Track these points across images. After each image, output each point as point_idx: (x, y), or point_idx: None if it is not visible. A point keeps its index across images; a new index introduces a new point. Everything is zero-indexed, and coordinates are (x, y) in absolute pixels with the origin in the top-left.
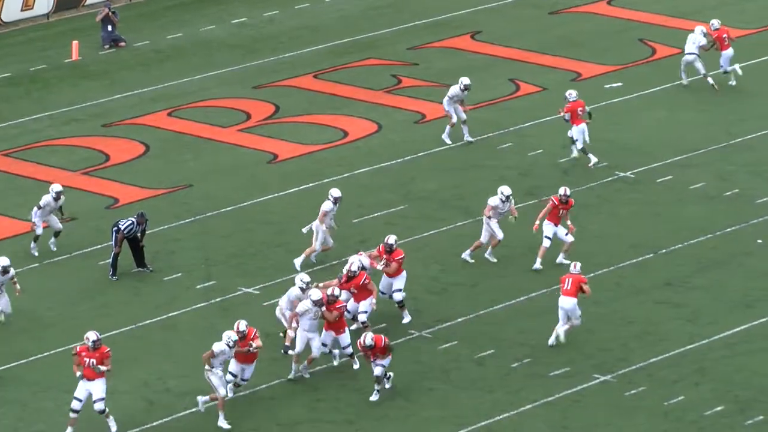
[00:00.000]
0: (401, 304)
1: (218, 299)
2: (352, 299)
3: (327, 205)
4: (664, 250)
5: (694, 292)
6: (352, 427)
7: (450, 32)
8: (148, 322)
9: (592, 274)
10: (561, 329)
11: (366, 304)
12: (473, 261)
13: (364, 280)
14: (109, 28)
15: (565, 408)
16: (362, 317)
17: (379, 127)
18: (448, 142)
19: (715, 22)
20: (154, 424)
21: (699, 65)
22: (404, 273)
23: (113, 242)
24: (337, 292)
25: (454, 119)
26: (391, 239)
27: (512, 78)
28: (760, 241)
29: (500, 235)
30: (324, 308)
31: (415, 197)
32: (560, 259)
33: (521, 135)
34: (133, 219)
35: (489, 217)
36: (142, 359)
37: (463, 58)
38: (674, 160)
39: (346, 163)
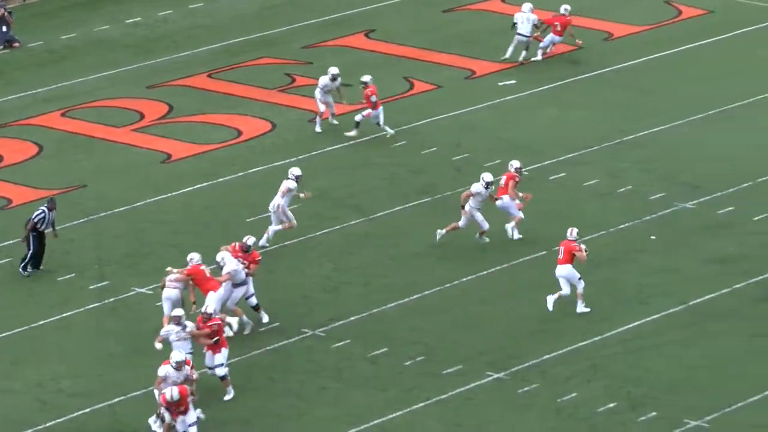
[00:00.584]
0: (257, 307)
1: (112, 299)
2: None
3: (291, 184)
4: (557, 248)
5: (588, 289)
6: (248, 427)
7: (344, 31)
8: (41, 322)
9: (485, 272)
10: (552, 298)
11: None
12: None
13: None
14: (4, 28)
15: (458, 406)
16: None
17: (273, 126)
18: (318, 130)
19: (564, 8)
20: (48, 424)
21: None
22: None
23: (24, 238)
24: (210, 310)
25: (321, 108)
26: (250, 240)
27: (406, 76)
28: (653, 237)
29: (486, 225)
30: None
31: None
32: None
33: (415, 133)
34: (44, 207)
35: (470, 205)
36: (36, 360)
37: (357, 56)
38: (567, 158)
39: (240, 163)
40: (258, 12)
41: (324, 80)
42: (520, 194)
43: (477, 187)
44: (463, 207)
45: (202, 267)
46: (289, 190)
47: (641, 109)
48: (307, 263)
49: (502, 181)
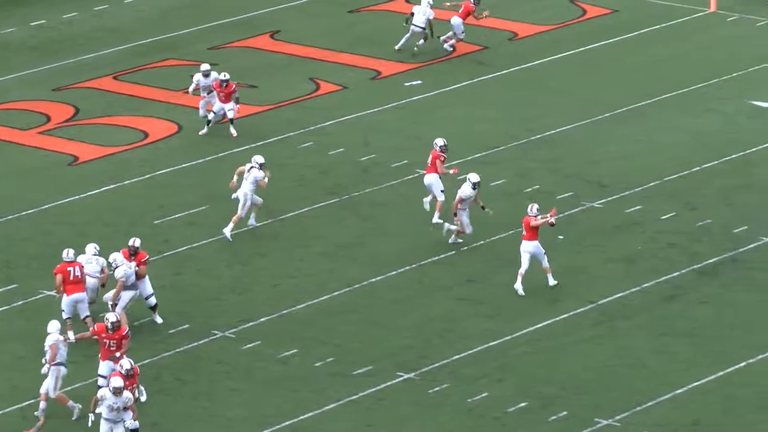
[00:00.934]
0: (154, 307)
1: (20, 302)
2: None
3: (258, 173)
4: (466, 247)
5: (497, 289)
6: (156, 429)
7: (250, 32)
8: None
9: (395, 272)
10: (519, 282)
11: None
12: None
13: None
14: None
15: (368, 406)
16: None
17: (179, 127)
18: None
19: None
20: None
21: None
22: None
23: None
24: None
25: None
26: (137, 242)
27: (312, 77)
28: (561, 237)
29: (469, 229)
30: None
31: (217, 197)
32: (435, 219)
33: (322, 134)
34: None
35: (461, 210)
36: None
37: (262, 57)
38: (474, 158)
39: (147, 165)
40: (163, 13)
41: (197, 77)
42: (450, 171)
43: (466, 190)
44: (455, 214)
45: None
46: (255, 180)
47: (548, 108)
48: (217, 264)
49: (429, 161)
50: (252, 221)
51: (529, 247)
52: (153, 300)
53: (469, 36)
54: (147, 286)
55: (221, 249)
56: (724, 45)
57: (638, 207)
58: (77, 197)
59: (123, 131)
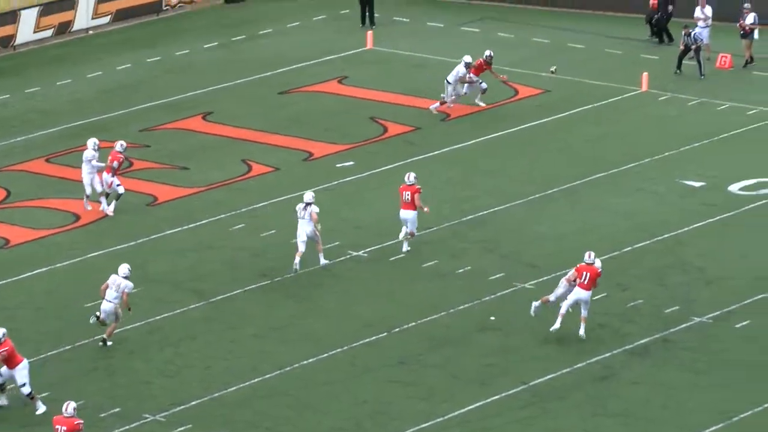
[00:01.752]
0: (31, 396)
1: None
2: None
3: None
4: (397, 329)
5: (428, 370)
6: None
7: (182, 113)
8: None
9: (326, 354)
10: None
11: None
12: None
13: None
14: None
15: None
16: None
17: None
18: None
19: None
20: None
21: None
22: (25, 361)
23: None
24: None
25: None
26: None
27: (244, 158)
28: (492, 318)
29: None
30: None
31: (149, 279)
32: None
33: (254, 216)
34: None
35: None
36: None
37: (195, 138)
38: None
39: (79, 248)
40: (95, 96)
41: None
42: (425, 209)
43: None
44: None
45: None
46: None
47: (481, 188)
48: (149, 347)
49: (407, 197)
50: (322, 260)
51: (582, 295)
52: (27, 389)
53: (402, 117)
54: (19, 375)
55: (152, 331)
56: (656, 124)
57: None
58: (9, 280)
59: (55, 214)
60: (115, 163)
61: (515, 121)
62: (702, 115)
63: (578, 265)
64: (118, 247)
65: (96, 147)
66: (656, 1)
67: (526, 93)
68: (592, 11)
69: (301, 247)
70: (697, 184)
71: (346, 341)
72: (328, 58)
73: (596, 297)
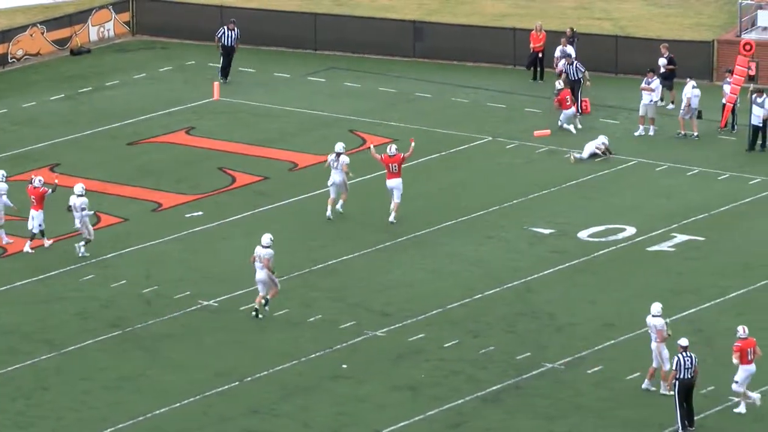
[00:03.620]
0: None
1: None
2: None
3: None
4: (249, 378)
5: (281, 419)
6: None
7: (29, 165)
8: None
9: (179, 404)
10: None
11: None
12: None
13: None
14: None
15: None
16: None
17: None
18: None
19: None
20: None
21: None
22: None
23: None
24: None
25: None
26: None
27: (93, 209)
28: (344, 366)
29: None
30: None
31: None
32: None
33: (104, 266)
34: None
35: None
36: None
37: None
38: (257, 288)
39: None
40: None
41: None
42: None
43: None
44: None
45: None
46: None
47: (330, 237)
48: (0, 399)
49: (394, 168)
50: (340, 208)
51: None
52: None
53: (250, 167)
54: None
55: (4, 383)
56: (504, 172)
57: (421, 335)
58: None
59: None
60: None
61: (364, 170)
62: (550, 162)
63: (739, 343)
64: None
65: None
66: (539, 44)
67: (375, 142)
68: (438, 61)
69: (333, 193)
70: (547, 231)
71: (198, 390)
72: (175, 108)
73: (448, 344)
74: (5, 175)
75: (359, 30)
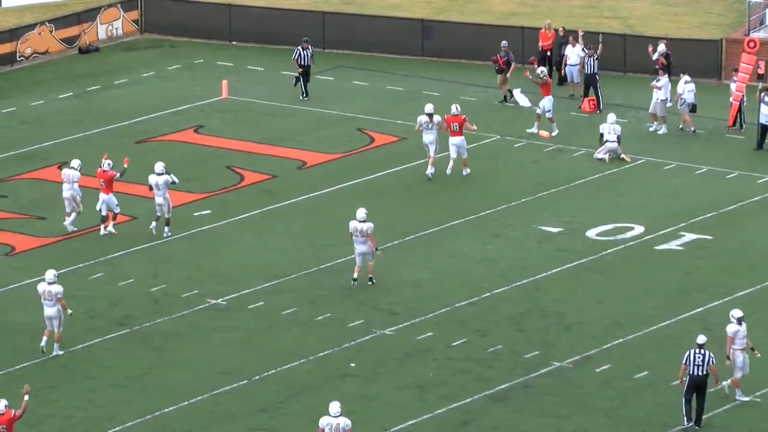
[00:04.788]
0: None
1: None
2: None
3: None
4: (257, 377)
5: (289, 418)
6: None
7: (38, 164)
8: None
9: (186, 402)
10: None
11: None
12: None
13: None
14: None
15: None
16: None
17: None
18: None
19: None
20: None
21: None
22: None
23: None
24: None
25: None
26: None
27: (102, 208)
28: (352, 365)
29: None
30: None
31: (9, 330)
32: None
33: (112, 265)
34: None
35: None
36: None
37: (51, 188)
38: (265, 286)
39: None
40: None
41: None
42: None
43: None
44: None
45: None
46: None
47: (337, 236)
48: (9, 397)
49: (455, 126)
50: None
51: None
52: None
53: (258, 166)
54: None
55: (13, 381)
56: (512, 171)
57: (429, 334)
58: None
59: None
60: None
61: (372, 168)
62: (558, 161)
63: None
64: None
65: None
66: (548, 43)
67: (383, 141)
68: (447, 59)
69: (431, 152)
70: (555, 230)
71: (206, 389)
72: (183, 107)
73: (455, 343)
74: (80, 164)
75: (368, 28)
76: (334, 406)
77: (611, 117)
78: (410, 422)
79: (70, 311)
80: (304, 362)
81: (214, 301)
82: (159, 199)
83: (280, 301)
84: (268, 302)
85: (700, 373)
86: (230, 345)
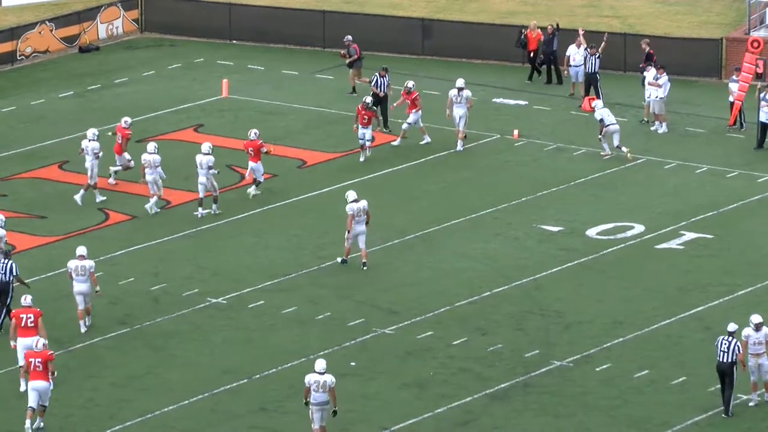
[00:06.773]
0: None
1: None
2: None
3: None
4: (258, 375)
5: (289, 416)
6: None
7: (38, 163)
8: None
9: (187, 401)
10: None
11: None
12: None
13: None
14: None
15: None
16: None
17: None
18: None
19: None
20: None
21: None
22: None
23: None
24: None
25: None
26: None
27: (101, 207)
28: (353, 364)
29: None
30: None
31: (7, 328)
32: None
33: (112, 264)
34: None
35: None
36: None
37: (52, 187)
38: (265, 285)
39: None
40: None
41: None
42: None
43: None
44: None
45: None
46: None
47: (337, 235)
48: (8, 397)
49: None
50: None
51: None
52: None
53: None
54: None
55: (13, 381)
56: (511, 170)
57: (429, 333)
58: None
59: None
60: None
61: (372, 167)
62: (558, 160)
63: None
64: None
65: None
66: (535, 45)
67: (382, 139)
68: (447, 58)
69: (460, 124)
70: (555, 229)
71: (206, 388)
72: (184, 106)
73: (456, 342)
74: (156, 146)
75: (367, 27)
76: (321, 363)
77: (599, 103)
78: (410, 421)
79: (98, 288)
80: (304, 361)
81: (214, 300)
82: (202, 179)
83: (281, 300)
84: (269, 301)
85: (725, 360)
86: (231, 344)
